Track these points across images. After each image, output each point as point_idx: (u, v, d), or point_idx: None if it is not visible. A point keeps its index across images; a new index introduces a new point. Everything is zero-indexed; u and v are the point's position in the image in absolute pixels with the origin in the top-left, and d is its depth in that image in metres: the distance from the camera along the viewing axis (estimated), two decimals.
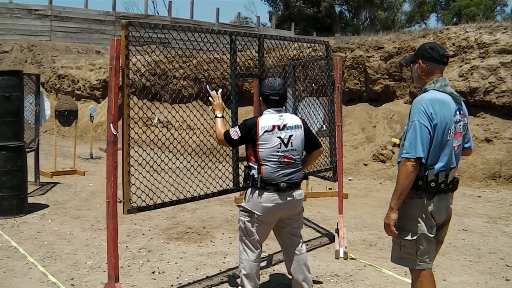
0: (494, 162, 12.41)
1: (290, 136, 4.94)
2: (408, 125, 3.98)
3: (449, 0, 57.26)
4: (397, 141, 4.41)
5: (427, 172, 3.92)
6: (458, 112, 4.05)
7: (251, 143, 4.92)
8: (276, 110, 4.98)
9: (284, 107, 5.18)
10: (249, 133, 4.89)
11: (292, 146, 4.95)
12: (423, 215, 3.98)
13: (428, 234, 4.01)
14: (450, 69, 14.15)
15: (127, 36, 4.68)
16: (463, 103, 4.15)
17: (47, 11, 31.05)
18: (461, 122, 4.09)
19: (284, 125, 4.93)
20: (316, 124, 7.88)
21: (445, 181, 3.98)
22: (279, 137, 4.88)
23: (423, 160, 3.84)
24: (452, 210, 4.27)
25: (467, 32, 14.74)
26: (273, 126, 4.87)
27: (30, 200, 9.62)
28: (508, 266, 6.62)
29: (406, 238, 4.03)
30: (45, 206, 9.63)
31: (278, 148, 4.87)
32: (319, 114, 7.95)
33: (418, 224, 3.99)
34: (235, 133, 4.97)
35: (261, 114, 5.08)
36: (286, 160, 4.90)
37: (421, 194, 3.97)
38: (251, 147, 4.94)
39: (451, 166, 4.02)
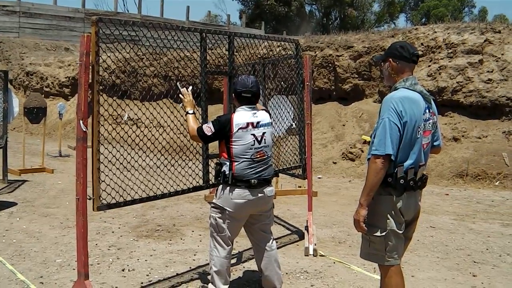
0: (462, 160, 12.58)
1: (264, 133, 4.99)
2: (378, 122, 4.02)
3: (418, 1, 57.90)
4: (367, 138, 4.46)
5: (396, 169, 3.96)
6: (427, 110, 4.10)
7: (224, 139, 4.94)
8: (249, 107, 5.01)
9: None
10: (223, 129, 4.91)
11: (265, 142, 5.00)
12: (392, 212, 4.02)
13: (397, 231, 4.05)
14: (419, 69, 14.29)
15: (97, 32, 4.66)
16: (432, 102, 4.20)
17: (15, 7, 30.65)
18: (431, 120, 4.14)
19: (258, 123, 4.96)
20: (286, 122, 7.92)
21: (414, 178, 4.04)
22: (253, 134, 4.91)
23: (392, 157, 3.88)
24: (421, 207, 4.32)
25: (435, 32, 14.91)
26: (247, 124, 4.91)
27: None
28: (475, 262, 6.73)
29: (375, 234, 4.07)
30: (13, 204, 9.53)
31: (252, 145, 4.90)
32: (288, 112, 7.99)
33: (387, 221, 4.03)
34: (208, 129, 4.98)
35: (234, 111, 5.09)
36: (258, 156, 4.94)
37: (390, 191, 4.01)
38: (224, 143, 4.96)
39: (420, 163, 4.08)
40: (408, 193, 4.06)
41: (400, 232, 4.08)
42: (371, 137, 4.17)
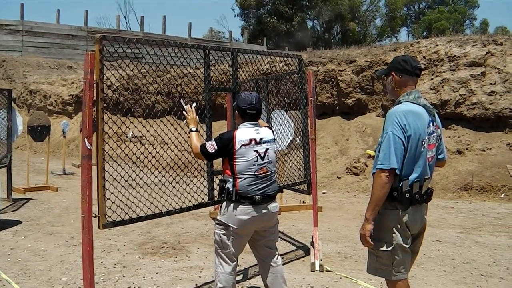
0: (466, 173, 12.56)
1: (267, 149, 4.97)
2: (382, 136, 4.02)
3: (419, 14, 58.04)
4: (372, 153, 4.41)
5: (401, 183, 3.95)
6: (431, 124, 4.09)
7: (227, 156, 4.92)
8: (252, 124, 4.99)
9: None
10: (226, 147, 4.89)
11: (268, 158, 4.97)
12: (398, 226, 4.00)
13: (404, 245, 4.03)
14: (422, 82, 14.31)
15: (101, 50, 4.67)
16: (436, 115, 4.20)
17: (18, 26, 30.84)
18: (435, 134, 4.14)
19: (261, 139, 4.95)
20: (286, 137, 7.93)
21: (419, 192, 4.02)
22: (256, 151, 4.89)
23: (397, 171, 3.88)
24: (427, 221, 4.31)
25: (437, 45, 14.95)
26: (250, 140, 4.89)
27: (3, 216, 9.53)
28: (482, 275, 6.70)
29: (381, 249, 4.05)
30: (18, 222, 9.52)
31: (255, 161, 4.88)
32: (289, 128, 7.99)
33: (394, 235, 4.01)
34: (211, 146, 4.96)
35: (236, 128, 5.08)
36: (262, 172, 4.92)
37: (396, 205, 3.99)
38: (227, 160, 4.94)
39: (425, 177, 4.06)
40: (414, 207, 4.04)
41: (407, 246, 4.06)
42: (375, 151, 4.17)
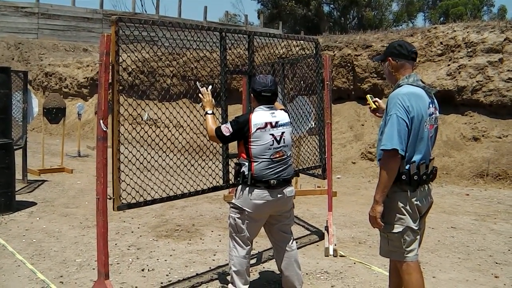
0: (482, 160, 12.46)
1: (283, 133, 4.95)
2: (385, 119, 4.10)
3: (436, 0, 57.52)
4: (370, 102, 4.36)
5: (409, 166, 4.03)
6: (431, 105, 4.18)
7: (243, 140, 4.91)
8: (267, 107, 4.97)
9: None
10: (241, 130, 4.88)
11: (284, 142, 4.96)
12: (408, 208, 4.09)
13: (413, 227, 4.11)
14: (438, 68, 14.21)
15: (117, 31, 4.65)
16: (434, 97, 4.29)
17: (34, 9, 30.90)
18: (434, 115, 4.22)
19: (276, 122, 4.93)
20: (309, 122, 7.90)
21: (426, 172, 4.13)
22: (272, 134, 4.88)
23: (401, 152, 3.93)
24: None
25: (454, 31, 14.79)
26: (266, 123, 4.87)
27: (18, 198, 9.57)
28: (496, 263, 6.65)
29: (392, 231, 4.13)
30: (33, 203, 9.58)
31: (271, 145, 4.87)
32: (309, 113, 7.96)
33: (404, 217, 4.09)
34: (226, 129, 4.95)
35: (252, 111, 5.06)
36: (278, 156, 4.91)
37: (404, 188, 4.07)
38: (242, 144, 4.93)
39: (430, 157, 4.20)
40: (421, 187, 4.14)
41: (416, 228, 4.15)
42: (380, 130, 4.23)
